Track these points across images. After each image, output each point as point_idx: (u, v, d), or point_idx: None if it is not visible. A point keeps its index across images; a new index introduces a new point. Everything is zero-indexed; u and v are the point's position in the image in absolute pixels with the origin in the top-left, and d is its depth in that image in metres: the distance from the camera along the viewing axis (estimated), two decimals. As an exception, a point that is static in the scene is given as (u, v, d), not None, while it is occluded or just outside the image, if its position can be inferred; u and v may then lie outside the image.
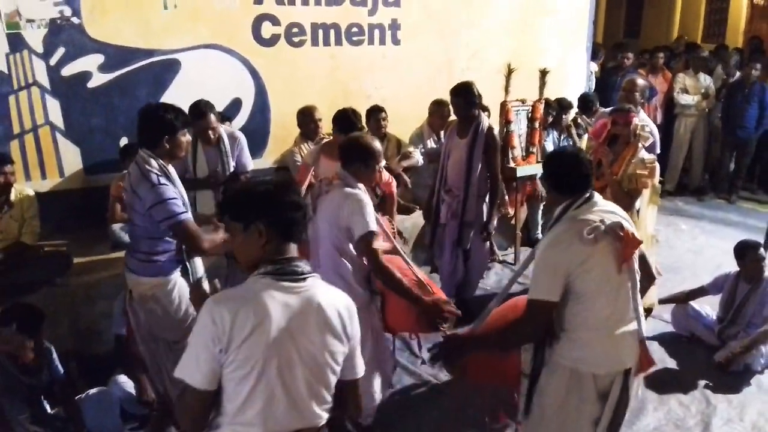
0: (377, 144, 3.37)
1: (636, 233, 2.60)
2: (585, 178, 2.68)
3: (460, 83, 4.67)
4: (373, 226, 3.13)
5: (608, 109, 4.94)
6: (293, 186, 2.05)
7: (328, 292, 2.00)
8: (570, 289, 2.53)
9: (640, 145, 4.13)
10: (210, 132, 4.33)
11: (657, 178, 4.20)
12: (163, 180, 3.08)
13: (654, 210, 4.32)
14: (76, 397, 3.62)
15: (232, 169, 4.48)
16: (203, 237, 3.14)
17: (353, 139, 3.38)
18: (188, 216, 3.10)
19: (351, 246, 3.19)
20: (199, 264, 3.39)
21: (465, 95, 4.59)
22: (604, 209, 2.65)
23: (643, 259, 2.77)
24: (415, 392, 4.15)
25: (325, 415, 1.99)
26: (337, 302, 1.99)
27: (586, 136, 6.34)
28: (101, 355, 4.24)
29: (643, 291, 3.18)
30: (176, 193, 3.12)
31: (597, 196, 2.70)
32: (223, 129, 4.49)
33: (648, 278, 2.88)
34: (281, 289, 1.89)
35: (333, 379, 1.99)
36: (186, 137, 3.24)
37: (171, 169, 3.21)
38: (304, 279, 1.93)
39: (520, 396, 2.84)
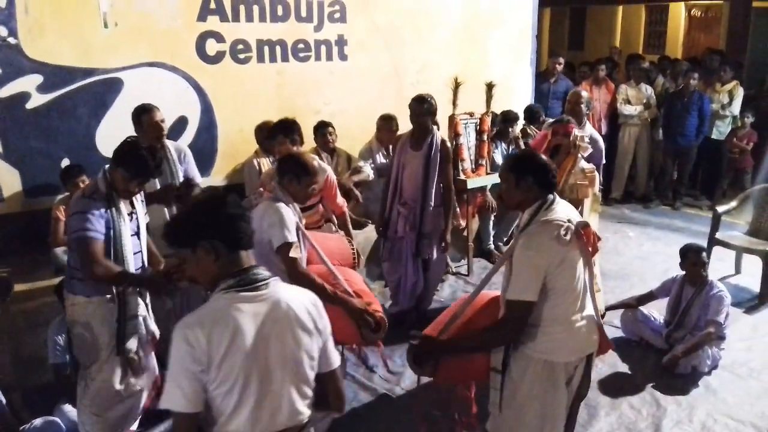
0: (315, 165, 3.42)
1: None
2: (555, 176, 2.81)
3: (424, 94, 4.72)
4: (290, 238, 3.23)
5: (551, 120, 5.05)
6: (226, 196, 2.05)
7: (292, 291, 2.07)
8: (545, 287, 2.64)
9: (579, 155, 4.21)
10: (160, 125, 4.17)
11: (597, 186, 4.30)
12: (96, 197, 3.02)
13: (596, 218, 4.41)
14: (21, 428, 3.50)
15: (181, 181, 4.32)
16: (102, 264, 3.00)
17: (292, 154, 3.50)
18: (97, 236, 2.99)
19: (274, 256, 3.26)
20: (137, 303, 3.28)
21: (429, 104, 4.65)
22: (566, 208, 2.78)
23: None
24: (370, 407, 4.10)
25: (307, 411, 2.05)
26: (303, 300, 2.06)
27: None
28: (45, 383, 4.09)
29: None
30: (101, 215, 3.01)
31: (557, 196, 2.80)
32: (168, 142, 4.38)
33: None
34: (246, 300, 1.93)
35: (312, 375, 2.07)
36: (131, 185, 3.13)
37: (125, 204, 3.14)
38: (267, 285, 1.98)
39: (492, 390, 2.87)
